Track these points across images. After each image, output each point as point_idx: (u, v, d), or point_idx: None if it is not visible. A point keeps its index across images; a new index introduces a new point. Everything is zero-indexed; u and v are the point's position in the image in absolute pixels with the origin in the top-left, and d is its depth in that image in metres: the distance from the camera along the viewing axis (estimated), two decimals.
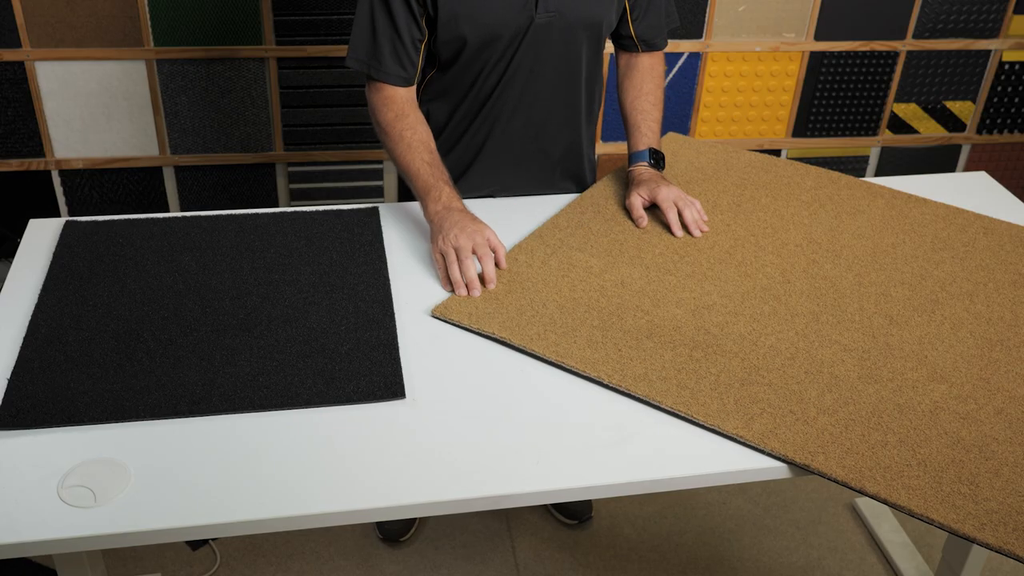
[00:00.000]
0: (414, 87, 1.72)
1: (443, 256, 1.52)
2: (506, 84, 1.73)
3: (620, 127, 3.01)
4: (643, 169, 1.75)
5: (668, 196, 1.67)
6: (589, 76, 1.81)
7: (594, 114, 1.91)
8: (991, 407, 1.30)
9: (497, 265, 1.52)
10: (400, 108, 1.68)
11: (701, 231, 1.67)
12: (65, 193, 2.88)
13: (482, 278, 1.49)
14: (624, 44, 1.85)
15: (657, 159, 1.77)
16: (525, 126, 1.79)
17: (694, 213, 1.67)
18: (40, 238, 1.61)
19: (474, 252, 1.50)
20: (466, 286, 1.48)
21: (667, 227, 1.66)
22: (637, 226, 1.68)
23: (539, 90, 1.75)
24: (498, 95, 1.74)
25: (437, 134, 1.81)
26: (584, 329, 1.40)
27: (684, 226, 1.66)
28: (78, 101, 2.74)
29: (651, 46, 1.84)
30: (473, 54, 1.68)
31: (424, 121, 1.70)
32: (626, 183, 1.78)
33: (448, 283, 1.51)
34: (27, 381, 1.27)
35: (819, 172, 1.90)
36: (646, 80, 1.84)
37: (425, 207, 1.61)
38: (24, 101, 2.71)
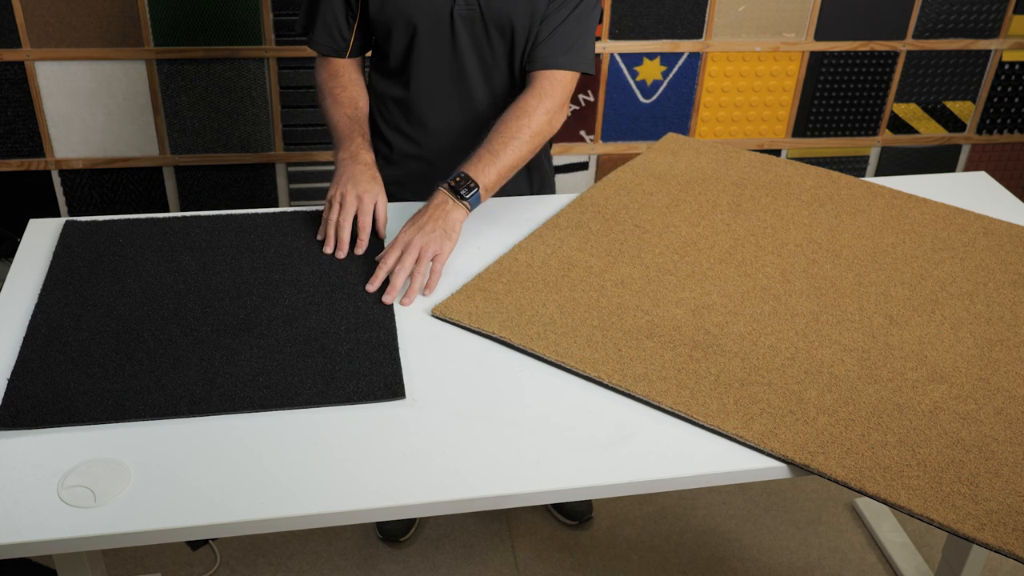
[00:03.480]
0: (356, 60, 1.75)
1: (328, 205, 1.53)
2: (437, 79, 1.71)
3: (620, 127, 3.03)
4: (436, 194, 1.54)
5: (402, 238, 1.48)
6: (522, 80, 1.71)
7: None
8: (991, 407, 1.30)
9: (378, 235, 1.54)
10: (335, 69, 1.72)
11: (410, 299, 1.45)
12: (65, 193, 2.88)
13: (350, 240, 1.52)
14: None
15: (459, 186, 1.51)
16: (464, 127, 1.76)
17: (410, 263, 1.45)
18: (40, 238, 1.61)
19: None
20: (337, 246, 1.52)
21: (667, 227, 1.66)
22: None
23: (469, 89, 1.72)
24: (430, 89, 1.73)
25: (390, 144, 1.82)
26: (584, 329, 1.40)
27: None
28: (78, 101, 2.74)
29: (542, 64, 1.64)
30: (402, 43, 1.68)
31: (359, 83, 1.72)
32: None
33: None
34: (27, 381, 1.27)
35: (819, 172, 1.90)
36: (523, 112, 1.61)
37: (335, 156, 1.61)
38: (24, 101, 2.71)
